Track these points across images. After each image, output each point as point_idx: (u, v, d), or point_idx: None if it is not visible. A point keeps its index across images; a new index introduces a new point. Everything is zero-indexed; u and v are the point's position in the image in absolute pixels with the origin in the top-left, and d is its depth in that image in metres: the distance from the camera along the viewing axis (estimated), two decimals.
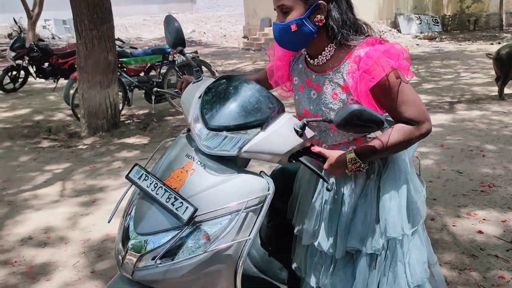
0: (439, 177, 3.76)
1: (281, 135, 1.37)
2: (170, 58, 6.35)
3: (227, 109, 1.39)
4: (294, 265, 1.77)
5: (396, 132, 1.42)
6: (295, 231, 1.73)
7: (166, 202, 1.31)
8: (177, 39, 1.65)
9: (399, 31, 15.78)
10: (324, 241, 1.57)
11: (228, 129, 1.36)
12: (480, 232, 2.88)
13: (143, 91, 6.59)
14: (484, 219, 3.04)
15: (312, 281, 1.64)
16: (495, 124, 5.20)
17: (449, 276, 2.45)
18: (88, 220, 3.32)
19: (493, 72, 8.58)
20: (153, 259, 1.29)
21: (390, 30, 15.69)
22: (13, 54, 8.19)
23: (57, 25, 21.06)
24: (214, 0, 31.66)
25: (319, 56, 1.51)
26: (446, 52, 12.10)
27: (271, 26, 16.42)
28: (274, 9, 1.47)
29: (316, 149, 1.46)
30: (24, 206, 3.61)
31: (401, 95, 1.40)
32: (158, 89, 2.00)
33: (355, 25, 1.47)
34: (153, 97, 6.32)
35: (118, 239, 1.41)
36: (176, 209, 1.29)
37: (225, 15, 27.69)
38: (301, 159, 1.43)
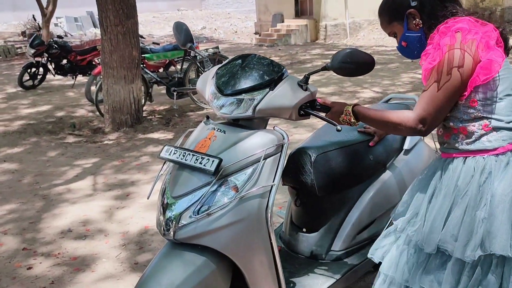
0: None
1: (288, 91, 1.55)
2: (192, 54, 6.35)
3: (238, 77, 1.59)
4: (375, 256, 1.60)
5: (394, 111, 1.46)
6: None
7: (195, 163, 1.47)
8: (186, 37, 1.83)
9: None
10: (452, 241, 1.36)
11: (241, 92, 1.55)
12: None
13: (163, 86, 6.63)
14: None
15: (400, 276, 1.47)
16: None
17: None
18: (125, 213, 3.36)
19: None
20: (190, 216, 1.43)
21: None
22: (32, 51, 8.26)
23: (69, 23, 21.18)
24: None
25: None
26: None
27: (283, 22, 16.42)
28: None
29: (320, 100, 1.59)
30: (59, 200, 3.65)
31: (434, 88, 1.34)
32: (176, 88, 2.07)
33: (445, 8, 1.42)
34: (175, 93, 6.35)
35: (158, 211, 1.54)
36: (203, 165, 1.45)
37: (234, 11, 27.66)
38: (309, 110, 1.57)
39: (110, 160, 4.56)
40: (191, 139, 1.65)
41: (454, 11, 1.42)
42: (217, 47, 6.72)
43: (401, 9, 1.47)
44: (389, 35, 1.56)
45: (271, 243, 1.50)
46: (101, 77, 5.66)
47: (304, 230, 2.03)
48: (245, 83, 1.56)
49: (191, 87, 1.90)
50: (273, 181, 1.49)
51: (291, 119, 1.58)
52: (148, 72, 6.34)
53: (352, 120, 1.49)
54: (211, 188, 1.44)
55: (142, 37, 6.84)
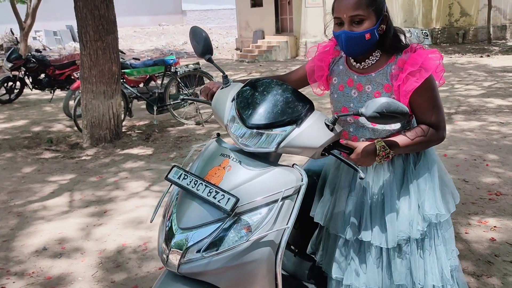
0: None
1: (314, 130, 1.45)
2: (172, 69, 6.37)
3: (264, 109, 1.47)
4: (318, 261, 1.85)
5: (420, 132, 1.57)
6: (330, 230, 1.77)
7: (208, 196, 1.37)
8: (205, 48, 1.70)
9: None
10: (370, 235, 1.64)
11: (267, 126, 1.44)
12: (492, 239, 2.94)
13: (143, 101, 6.60)
14: (495, 227, 3.10)
15: (348, 279, 1.69)
16: (494, 134, 5.32)
17: (467, 282, 2.49)
18: (102, 230, 3.31)
19: (486, 84, 8.83)
20: (197, 252, 1.35)
21: None
22: (9, 65, 8.14)
23: (48, 36, 20.99)
24: (204, 13, 31.90)
25: (366, 60, 1.64)
26: None
27: (264, 38, 16.61)
28: (337, 18, 1.56)
29: (343, 141, 1.53)
30: (34, 217, 3.58)
31: (432, 100, 1.58)
32: (185, 97, 2.00)
33: (396, 34, 1.63)
34: (155, 108, 6.33)
35: (161, 238, 1.46)
36: (218, 201, 1.35)
37: (216, 27, 27.88)
38: (332, 151, 1.51)
39: (88, 176, 4.49)
40: (201, 162, 1.53)
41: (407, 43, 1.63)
42: (198, 63, 6.75)
43: (381, 7, 1.55)
44: (351, 16, 1.51)
45: (276, 283, 1.44)
46: (80, 91, 5.61)
47: (297, 250, 2.03)
48: (271, 117, 1.44)
49: (201, 98, 1.75)
50: (287, 224, 1.40)
51: (312, 158, 1.52)
52: (128, 87, 6.32)
53: (391, 153, 1.52)
54: (224, 225, 1.35)
55: (122, 52, 6.82)
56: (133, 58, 7.07)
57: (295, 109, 1.46)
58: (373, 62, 1.62)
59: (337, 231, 1.73)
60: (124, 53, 7.33)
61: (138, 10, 27.11)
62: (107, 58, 5.34)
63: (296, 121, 1.44)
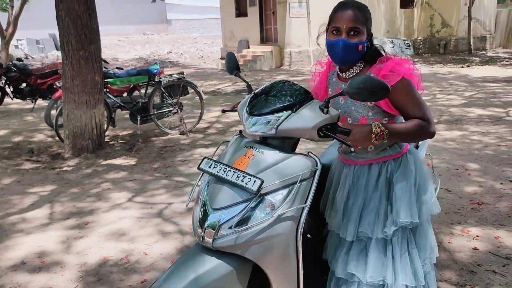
0: None
1: (309, 113, 1.68)
2: (156, 79, 6.33)
3: (265, 100, 1.76)
4: (324, 257, 2.03)
5: (412, 122, 1.74)
6: (328, 223, 1.98)
7: (236, 180, 1.60)
8: (233, 65, 2.07)
9: None
10: (342, 226, 1.88)
11: (265, 113, 1.71)
12: (475, 248, 2.97)
13: (127, 111, 6.53)
14: (477, 236, 3.13)
15: (338, 271, 1.88)
16: (476, 144, 5.40)
17: None
18: (83, 243, 3.24)
19: (467, 94, 8.99)
20: (229, 228, 1.56)
21: None
22: None
23: (30, 45, 20.74)
24: (189, 22, 31.92)
25: (350, 70, 1.86)
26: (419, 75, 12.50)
27: (248, 48, 16.68)
28: (335, 27, 1.77)
29: (341, 124, 1.73)
30: (13, 230, 3.49)
31: (412, 98, 1.76)
32: (225, 110, 2.16)
33: (376, 49, 1.89)
34: (138, 118, 6.27)
35: (195, 221, 1.66)
36: (245, 184, 1.57)
37: (201, 36, 27.94)
38: (328, 132, 1.69)
39: (69, 187, 4.41)
40: (228, 154, 1.76)
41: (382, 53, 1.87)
42: (182, 73, 6.72)
43: (370, 27, 1.81)
44: (348, 29, 1.74)
45: (298, 256, 1.65)
46: (62, 101, 5.53)
47: (309, 236, 2.21)
48: (271, 106, 1.72)
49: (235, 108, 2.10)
50: (305, 203, 1.63)
51: (313, 140, 1.72)
52: (111, 96, 6.25)
53: (385, 132, 1.69)
54: (251, 204, 1.57)
55: (105, 61, 6.76)
56: (117, 68, 6.99)
57: (291, 99, 1.72)
58: (356, 72, 1.85)
59: (330, 226, 1.96)
60: (107, 63, 7.25)
61: (123, 19, 27.01)
62: (89, 68, 5.28)
63: (292, 107, 1.69)
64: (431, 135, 1.77)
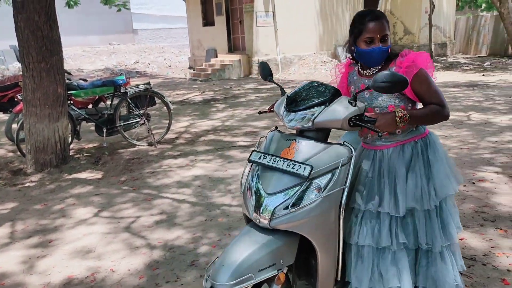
0: None
1: (339, 107, 1.94)
2: (122, 90, 6.21)
3: (302, 98, 2.01)
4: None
5: (429, 108, 2.01)
6: (350, 204, 2.14)
7: (287, 168, 1.85)
8: (267, 72, 2.37)
9: (339, 61, 16.55)
10: (388, 205, 2.06)
11: (303, 109, 1.95)
12: None
13: (92, 123, 6.37)
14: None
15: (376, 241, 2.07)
16: None
17: None
18: (47, 262, 3.11)
19: None
20: (284, 209, 1.81)
21: (331, 60, 16.43)
22: None
23: None
24: (156, 32, 31.62)
25: (372, 68, 2.11)
26: None
27: (216, 56, 16.67)
28: (369, 37, 2.00)
29: (368, 114, 1.96)
30: None
31: (430, 86, 2.01)
32: (262, 111, 2.48)
33: (392, 45, 2.11)
34: (104, 130, 6.13)
35: (251, 208, 1.90)
36: (296, 170, 1.82)
37: (168, 46, 27.69)
38: (358, 122, 1.93)
39: (31, 204, 4.25)
40: (272, 146, 2.00)
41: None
42: (149, 83, 6.61)
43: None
44: (381, 37, 2.00)
45: (339, 230, 1.92)
46: (23, 115, 5.34)
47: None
48: (307, 103, 1.97)
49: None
50: (345, 184, 1.89)
51: (344, 129, 1.97)
52: (76, 109, 6.08)
53: (408, 115, 1.93)
54: (302, 187, 1.82)
55: (68, 73, 6.59)
56: (80, 79, 6.82)
57: (323, 96, 1.97)
58: (379, 68, 2.08)
59: (358, 204, 2.13)
60: (71, 74, 7.07)
61: (87, 29, 26.48)
62: (51, 80, 5.13)
63: (324, 103, 1.94)
64: (446, 117, 2.02)
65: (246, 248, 1.78)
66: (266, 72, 2.36)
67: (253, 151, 1.99)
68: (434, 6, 17.93)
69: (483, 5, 23.69)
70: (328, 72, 15.04)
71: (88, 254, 3.22)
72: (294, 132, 2.05)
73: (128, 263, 3.08)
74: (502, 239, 3.17)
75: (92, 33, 26.89)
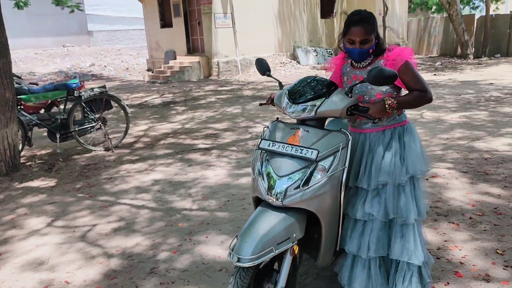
0: None
1: (338, 98, 2.22)
2: (76, 93, 5.99)
3: (304, 91, 2.25)
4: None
5: (414, 94, 2.31)
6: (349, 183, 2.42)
7: (295, 152, 2.13)
8: (265, 67, 2.60)
9: (298, 62, 16.76)
10: (362, 179, 2.36)
11: (307, 100, 2.21)
12: None
13: (45, 129, 6.11)
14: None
15: (358, 215, 2.35)
16: None
17: None
18: None
19: None
20: (295, 189, 2.07)
21: (290, 62, 16.59)
22: None
23: None
24: (113, 33, 30.86)
25: (363, 62, 2.38)
26: None
27: (175, 58, 16.46)
28: (350, 39, 2.26)
29: (361, 104, 2.25)
30: None
31: (414, 75, 2.30)
32: (262, 103, 2.68)
33: (381, 41, 2.36)
34: (57, 136, 5.89)
35: (263, 190, 2.13)
36: (304, 154, 2.11)
37: (125, 47, 27.09)
38: (354, 111, 2.21)
39: None
40: (278, 135, 2.24)
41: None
42: (104, 86, 6.41)
43: (377, 30, 2.30)
44: (360, 41, 2.24)
45: (340, 205, 2.21)
46: None
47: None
48: (309, 95, 2.22)
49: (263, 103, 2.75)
50: (345, 165, 2.16)
51: (342, 118, 2.27)
52: (26, 114, 5.81)
53: (395, 102, 2.22)
54: (310, 169, 2.08)
55: (18, 76, 6.31)
56: (31, 83, 6.53)
57: (323, 89, 2.24)
58: (369, 61, 2.37)
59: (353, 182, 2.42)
60: (21, 78, 6.77)
61: (39, 31, 25.46)
62: None
63: (324, 95, 2.21)
64: (429, 100, 2.31)
65: (265, 225, 2.02)
66: (263, 67, 2.59)
67: (262, 139, 2.25)
68: (387, 8, 18.51)
69: (434, 7, 24.69)
70: (287, 73, 15.19)
71: (40, 266, 3.08)
72: (295, 121, 2.30)
73: (84, 273, 2.96)
74: (455, 232, 3.29)
75: (44, 35, 25.89)
